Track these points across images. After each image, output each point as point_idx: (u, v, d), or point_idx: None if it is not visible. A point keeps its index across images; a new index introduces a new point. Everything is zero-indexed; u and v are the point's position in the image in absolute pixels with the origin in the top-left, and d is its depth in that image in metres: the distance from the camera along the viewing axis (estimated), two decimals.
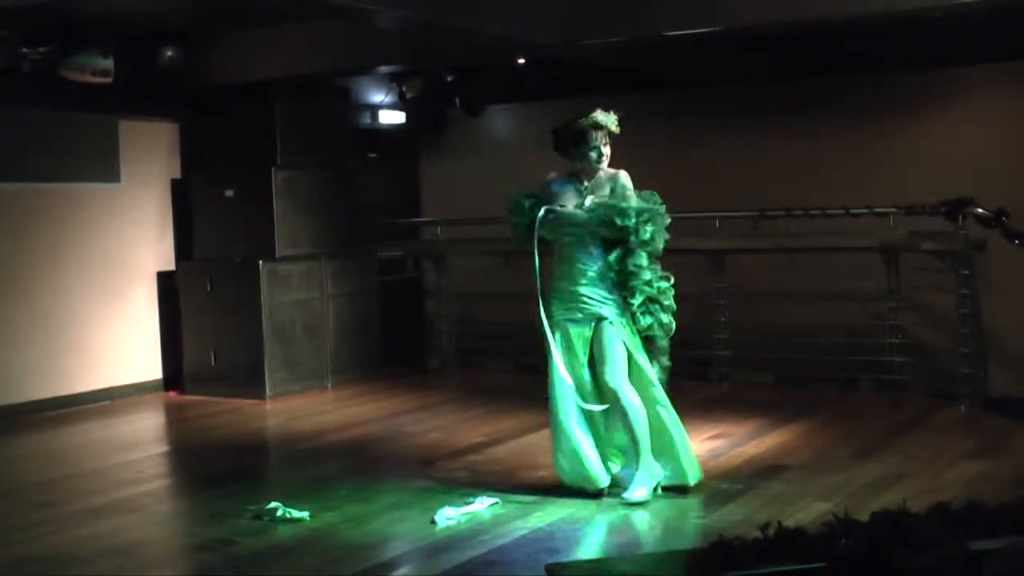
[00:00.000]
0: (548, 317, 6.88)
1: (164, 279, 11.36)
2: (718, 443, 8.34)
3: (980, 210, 9.31)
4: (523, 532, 6.27)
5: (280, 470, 8.47)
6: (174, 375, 11.34)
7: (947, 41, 9.78)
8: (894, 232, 10.12)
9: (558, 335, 6.91)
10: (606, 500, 6.79)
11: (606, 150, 6.88)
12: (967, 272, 9.66)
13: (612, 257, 6.76)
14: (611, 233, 6.73)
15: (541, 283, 6.92)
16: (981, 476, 7.20)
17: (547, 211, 6.80)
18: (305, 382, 11.14)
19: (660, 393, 6.83)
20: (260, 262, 10.83)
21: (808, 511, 6.41)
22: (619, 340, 6.72)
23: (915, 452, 7.98)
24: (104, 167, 10.85)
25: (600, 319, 6.75)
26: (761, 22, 8.65)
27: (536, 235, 6.86)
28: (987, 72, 10.25)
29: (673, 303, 6.81)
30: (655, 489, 6.79)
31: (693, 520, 6.48)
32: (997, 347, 10.07)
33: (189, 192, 11.43)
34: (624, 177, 6.83)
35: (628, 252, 6.74)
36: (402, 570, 5.94)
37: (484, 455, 8.22)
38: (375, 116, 12.71)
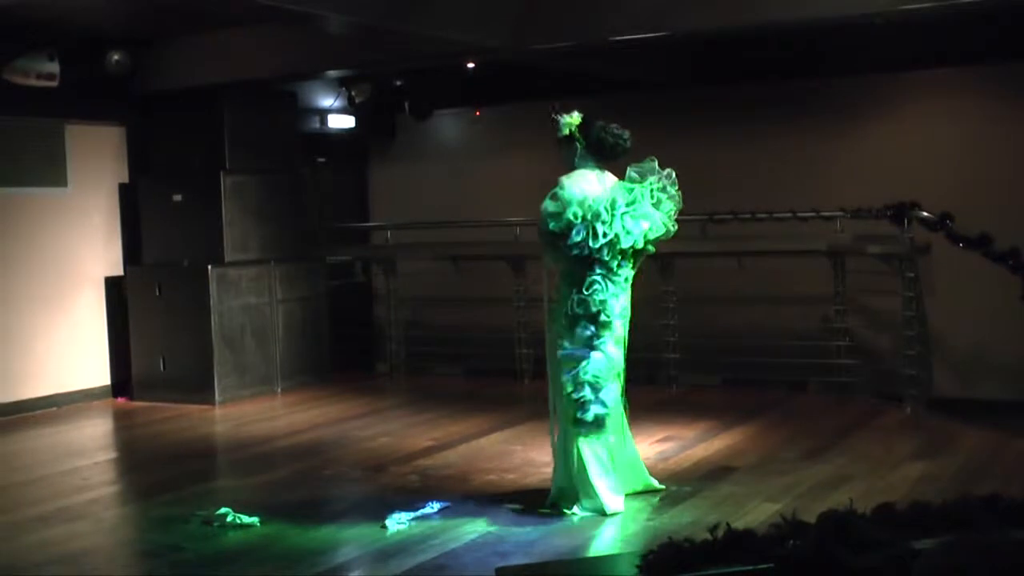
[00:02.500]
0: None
1: (112, 284, 11.28)
2: (667, 446, 8.40)
3: (925, 214, 9.41)
4: (473, 536, 6.28)
5: (229, 476, 8.43)
6: (122, 381, 11.26)
7: (893, 46, 9.88)
8: (841, 236, 10.21)
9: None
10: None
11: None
12: (912, 275, 9.76)
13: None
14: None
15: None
16: (926, 476, 7.29)
17: None
18: (254, 387, 11.10)
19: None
20: (209, 267, 10.78)
21: (757, 512, 6.46)
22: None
23: (861, 453, 8.07)
24: (51, 171, 10.76)
25: None
26: (708, 28, 8.71)
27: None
28: (932, 77, 10.37)
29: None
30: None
31: (643, 522, 6.51)
32: (941, 349, 10.19)
33: (137, 197, 11.35)
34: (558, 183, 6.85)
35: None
36: (352, 575, 5.93)
37: (434, 459, 8.22)
38: (324, 121, 12.67)
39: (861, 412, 9.54)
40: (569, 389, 6.58)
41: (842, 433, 8.76)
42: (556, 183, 6.76)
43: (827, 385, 10.36)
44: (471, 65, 10.95)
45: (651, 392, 10.53)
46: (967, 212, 9.29)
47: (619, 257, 6.59)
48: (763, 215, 10.35)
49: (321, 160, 13.01)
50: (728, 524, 5.15)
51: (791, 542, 4.79)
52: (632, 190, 6.68)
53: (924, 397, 9.68)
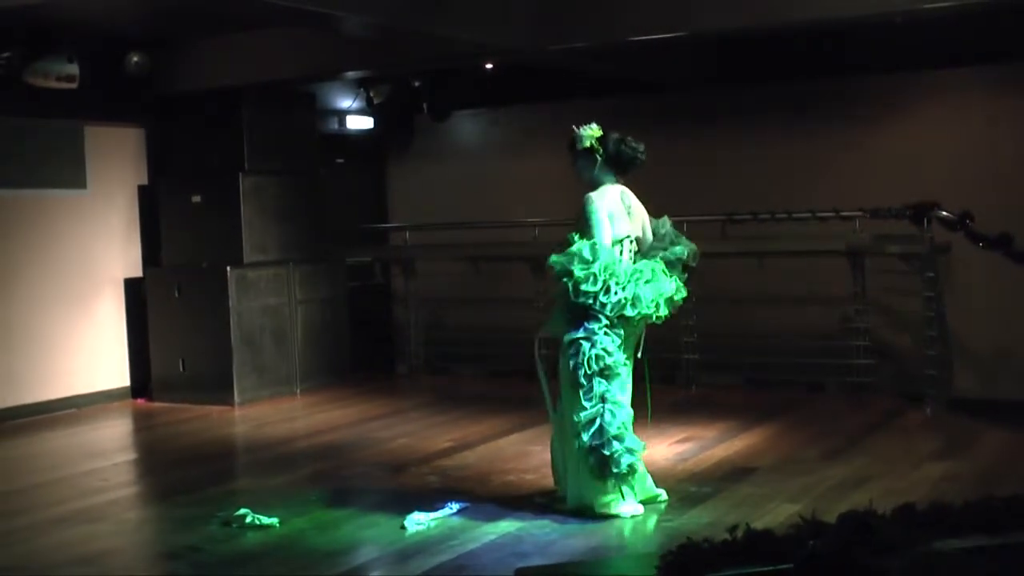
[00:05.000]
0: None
1: (131, 286, 11.31)
2: (687, 446, 8.38)
3: (945, 213, 9.36)
4: (493, 537, 6.28)
5: (249, 476, 8.44)
6: (142, 382, 11.28)
7: (912, 46, 9.84)
8: (860, 235, 10.18)
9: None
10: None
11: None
12: (932, 275, 9.73)
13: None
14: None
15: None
16: (946, 476, 7.26)
17: None
18: (274, 388, 11.12)
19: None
20: (228, 268, 10.79)
21: (776, 513, 6.45)
22: None
23: (881, 453, 8.04)
24: (70, 173, 10.79)
25: None
26: (727, 27, 8.69)
27: None
28: (951, 76, 10.32)
29: None
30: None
31: (662, 523, 6.50)
32: (961, 349, 10.15)
33: (156, 198, 11.38)
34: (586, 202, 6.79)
35: None
36: (372, 575, 5.94)
37: (454, 460, 8.22)
38: (343, 122, 12.70)
39: (881, 412, 9.51)
40: (596, 443, 6.51)
41: (862, 433, 8.74)
42: (584, 200, 6.71)
43: (847, 385, 10.33)
44: (489, 66, 10.95)
45: (670, 392, 10.52)
46: (987, 211, 9.25)
47: (619, 318, 6.56)
48: (782, 215, 10.33)
49: (340, 161, 13.02)
50: (748, 525, 5.15)
51: (811, 543, 4.78)
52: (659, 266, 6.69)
53: (944, 397, 9.64)
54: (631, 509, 6.61)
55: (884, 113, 10.61)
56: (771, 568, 4.68)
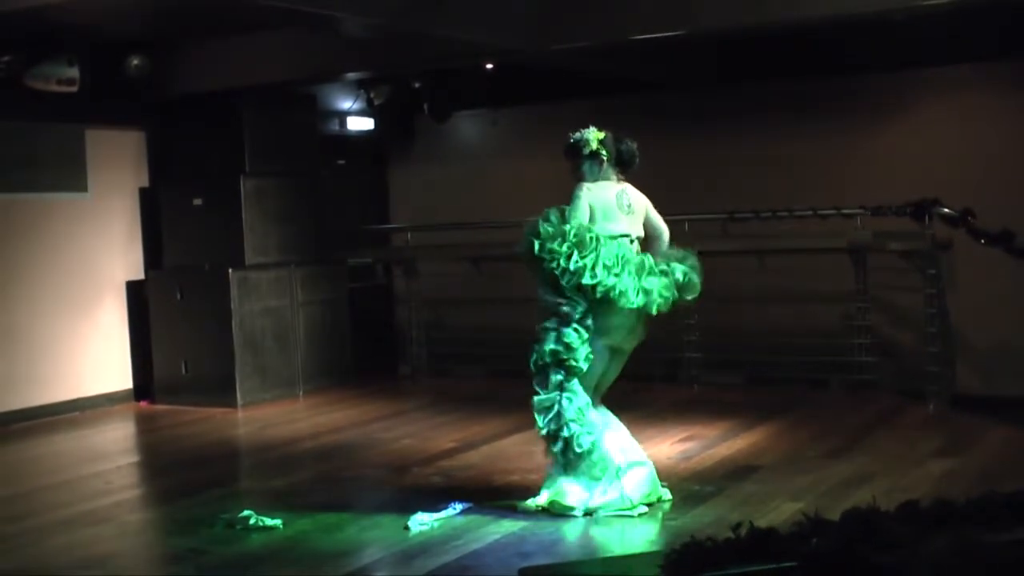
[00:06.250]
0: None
1: (133, 288, 11.32)
2: (689, 445, 8.38)
3: (946, 210, 9.36)
4: (496, 537, 6.28)
5: (252, 478, 8.45)
6: (145, 385, 11.29)
7: (911, 43, 9.85)
8: (861, 233, 10.18)
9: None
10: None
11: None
12: (933, 272, 9.73)
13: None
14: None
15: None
16: (949, 474, 7.26)
17: None
18: (276, 390, 11.12)
19: None
20: (230, 270, 10.80)
21: (780, 511, 6.45)
22: None
23: (884, 451, 8.05)
24: (71, 177, 10.80)
25: None
26: (727, 26, 8.69)
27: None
28: (951, 73, 10.32)
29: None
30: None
31: (665, 522, 6.51)
32: (964, 346, 10.15)
33: (157, 201, 11.39)
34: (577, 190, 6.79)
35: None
36: None
37: (457, 460, 8.22)
38: (343, 123, 12.70)
39: (883, 410, 9.51)
40: (553, 428, 6.57)
41: (865, 431, 8.74)
42: (576, 187, 6.72)
43: (849, 383, 10.33)
44: (490, 66, 10.95)
45: (673, 391, 10.54)
46: (988, 208, 9.25)
47: (583, 297, 6.54)
48: (783, 213, 10.32)
49: (340, 162, 13.03)
50: (751, 523, 5.15)
51: (814, 540, 4.79)
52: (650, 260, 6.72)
53: (947, 394, 9.64)
54: (576, 501, 6.61)
55: (884, 110, 10.61)
56: (774, 566, 4.69)
